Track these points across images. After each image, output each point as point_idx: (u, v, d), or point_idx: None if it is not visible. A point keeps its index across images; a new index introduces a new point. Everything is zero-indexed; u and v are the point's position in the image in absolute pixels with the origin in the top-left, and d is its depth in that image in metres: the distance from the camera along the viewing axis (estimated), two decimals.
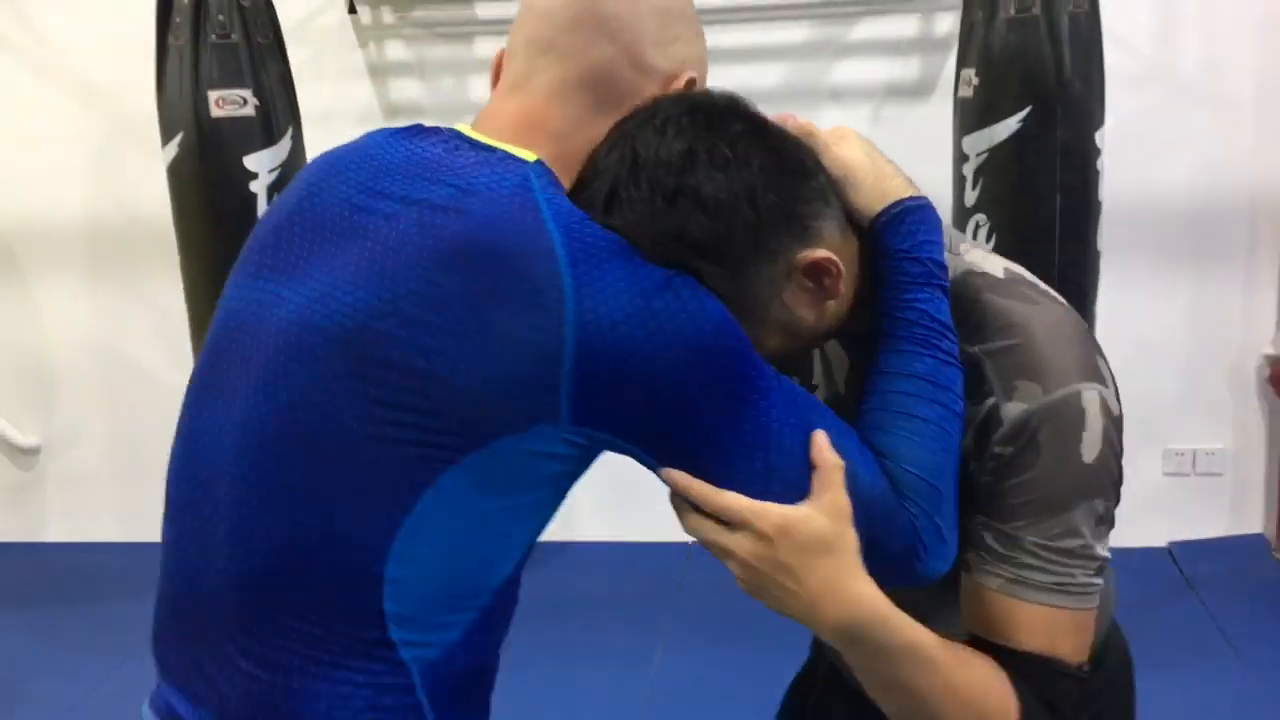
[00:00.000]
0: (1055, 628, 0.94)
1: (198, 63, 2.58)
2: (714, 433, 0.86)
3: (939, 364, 0.93)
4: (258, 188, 2.64)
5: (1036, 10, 2.43)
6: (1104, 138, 2.59)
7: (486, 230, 0.84)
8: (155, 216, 3.49)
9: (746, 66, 3.27)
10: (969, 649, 0.94)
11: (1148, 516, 3.25)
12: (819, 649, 1.36)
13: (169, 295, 3.56)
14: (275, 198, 1.10)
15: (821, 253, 0.91)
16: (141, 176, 3.48)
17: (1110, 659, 1.19)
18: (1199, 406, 3.46)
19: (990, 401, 0.94)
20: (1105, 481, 0.94)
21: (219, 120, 2.60)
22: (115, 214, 3.60)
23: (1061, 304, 1.00)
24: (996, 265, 1.01)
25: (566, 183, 0.91)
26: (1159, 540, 3.39)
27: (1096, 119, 2.55)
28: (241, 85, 2.61)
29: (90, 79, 3.52)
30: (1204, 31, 3.18)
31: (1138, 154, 3.05)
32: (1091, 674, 0.98)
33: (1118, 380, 0.97)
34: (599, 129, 0.94)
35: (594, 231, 0.85)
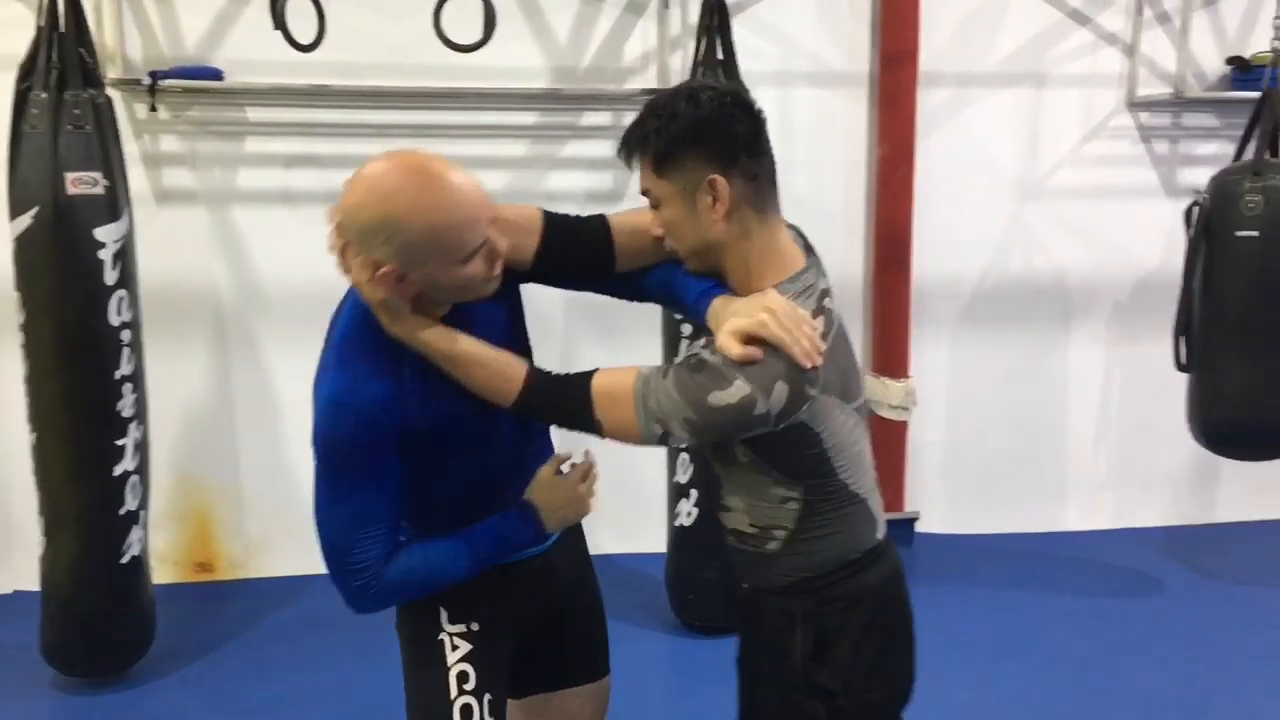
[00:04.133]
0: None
1: (56, 148, 2.94)
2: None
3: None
4: (105, 255, 3.00)
5: None
6: None
7: None
8: None
9: (479, 173, 3.98)
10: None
11: None
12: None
13: None
14: None
15: None
16: None
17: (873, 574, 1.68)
18: None
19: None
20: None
21: (73, 197, 2.94)
22: None
23: None
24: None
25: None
26: None
27: None
28: (94, 168, 2.98)
29: None
30: (811, 167, 4.35)
31: None
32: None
33: None
34: None
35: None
